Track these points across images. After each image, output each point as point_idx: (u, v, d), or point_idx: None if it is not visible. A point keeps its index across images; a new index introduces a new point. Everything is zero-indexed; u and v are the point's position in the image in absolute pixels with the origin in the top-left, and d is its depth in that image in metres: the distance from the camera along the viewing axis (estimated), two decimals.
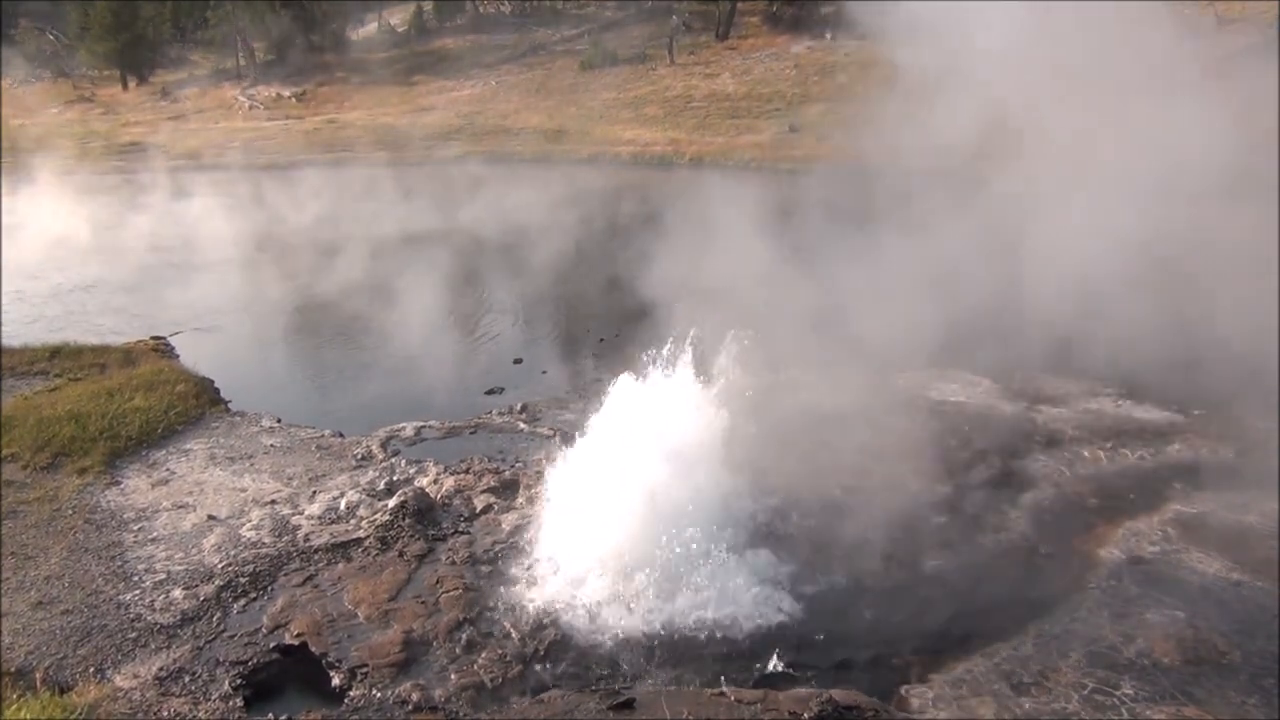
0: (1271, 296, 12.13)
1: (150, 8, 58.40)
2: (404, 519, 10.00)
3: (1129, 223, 13.28)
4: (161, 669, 7.93)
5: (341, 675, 7.81)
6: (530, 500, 10.19)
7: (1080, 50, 13.92)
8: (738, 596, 8.49)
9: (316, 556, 9.52)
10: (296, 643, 8.23)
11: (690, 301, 10.01)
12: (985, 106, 14.78)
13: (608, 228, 24.17)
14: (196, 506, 10.58)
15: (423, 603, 8.68)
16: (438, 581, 8.98)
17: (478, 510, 10.33)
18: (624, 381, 9.66)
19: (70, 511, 10.40)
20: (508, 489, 10.65)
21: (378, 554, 9.51)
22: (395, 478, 11.03)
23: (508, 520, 10.00)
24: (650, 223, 22.63)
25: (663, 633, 8.12)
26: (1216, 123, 13.04)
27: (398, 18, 62.10)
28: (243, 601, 8.84)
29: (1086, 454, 11.17)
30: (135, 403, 12.79)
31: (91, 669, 7.94)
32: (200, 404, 13.17)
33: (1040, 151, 15.19)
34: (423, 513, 10.12)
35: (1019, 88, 14.39)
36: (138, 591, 8.98)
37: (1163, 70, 13.45)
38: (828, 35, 45.65)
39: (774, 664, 7.80)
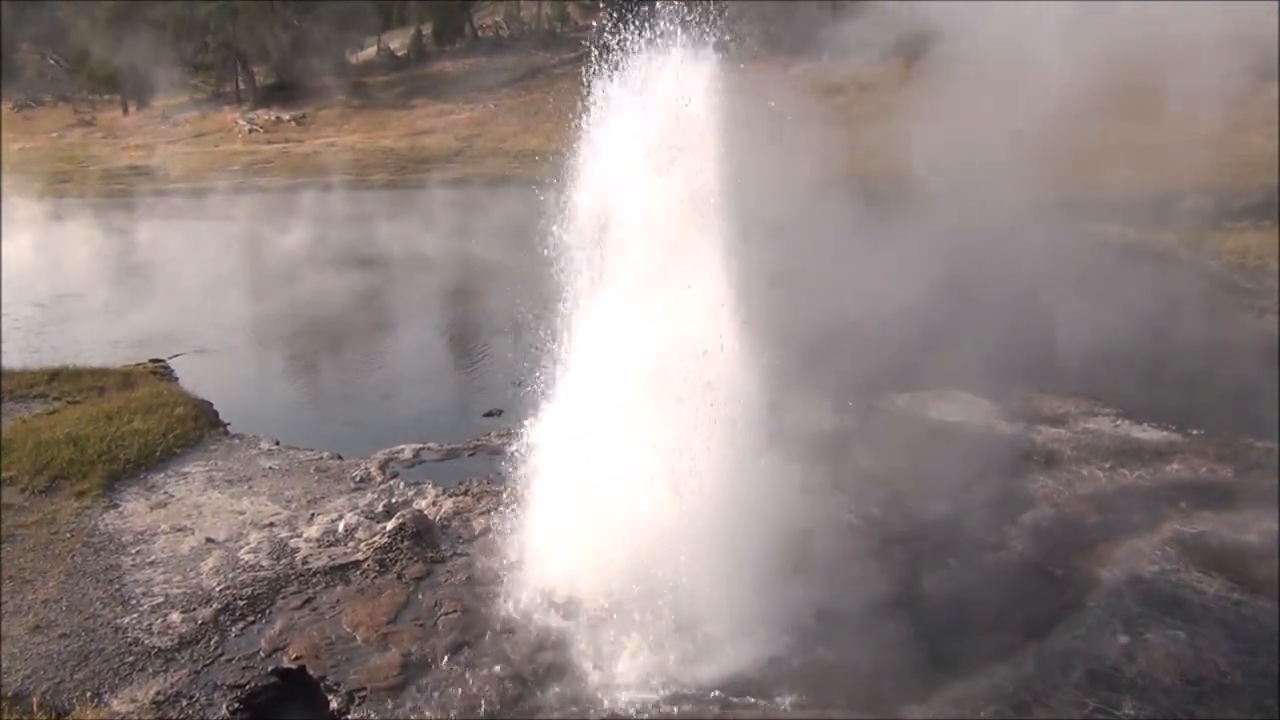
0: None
1: (152, 32, 58.71)
2: (402, 541, 9.98)
3: None
4: (159, 693, 7.89)
5: (340, 698, 7.78)
6: (529, 522, 10.15)
7: None
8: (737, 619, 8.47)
9: (315, 579, 9.50)
10: (295, 666, 8.20)
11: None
12: None
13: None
14: (195, 529, 10.56)
15: (421, 625, 8.65)
16: (436, 604, 8.96)
17: (476, 533, 10.31)
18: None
19: (68, 535, 10.38)
20: (506, 511, 10.62)
21: (376, 576, 9.49)
22: (394, 500, 11.02)
23: (506, 543, 9.97)
24: None
25: (661, 656, 8.09)
26: None
27: (397, 42, 62.48)
28: (241, 625, 8.81)
29: (1085, 474, 11.16)
30: (134, 425, 12.78)
31: (89, 693, 7.91)
32: (199, 427, 13.16)
33: None
34: (421, 535, 10.10)
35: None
36: (135, 615, 8.95)
37: None
38: (824, 58, 45.84)
39: (773, 685, 7.77)
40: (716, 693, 7.71)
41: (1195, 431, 12.06)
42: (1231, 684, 7.65)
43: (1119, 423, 12.51)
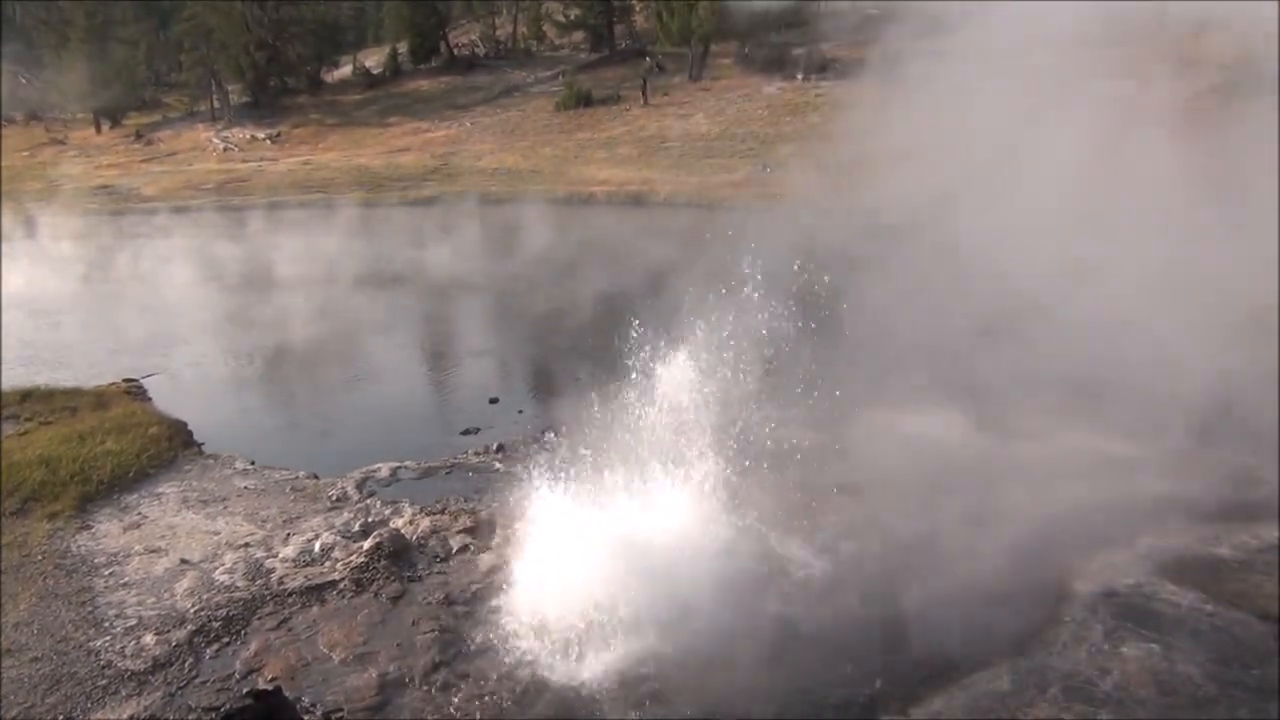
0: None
1: (125, 51, 58.51)
2: (379, 560, 9.93)
3: None
4: (132, 716, 7.82)
5: (316, 719, 7.74)
6: (506, 541, 10.14)
7: None
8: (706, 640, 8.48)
9: (291, 599, 9.43)
10: (270, 687, 8.12)
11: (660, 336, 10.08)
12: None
13: (586, 265, 24.23)
14: (169, 550, 10.47)
15: (398, 645, 8.61)
16: (413, 623, 8.92)
17: (453, 551, 10.28)
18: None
19: (40, 557, 10.27)
20: (484, 529, 10.60)
21: (353, 596, 9.44)
22: (370, 519, 10.96)
23: (484, 561, 9.95)
24: (628, 257, 22.79)
25: (642, 674, 8.08)
26: None
27: (372, 60, 62.49)
28: (215, 646, 8.74)
29: (1061, 488, 11.21)
30: (107, 446, 12.68)
31: (61, 717, 7.82)
32: (173, 447, 13.06)
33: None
34: (398, 554, 10.06)
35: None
36: (108, 637, 8.86)
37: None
38: (799, 76, 46.37)
39: (747, 701, 7.78)
40: (695, 711, 7.70)
41: (1170, 446, 12.13)
42: (1206, 696, 7.71)
43: (1094, 437, 12.58)
